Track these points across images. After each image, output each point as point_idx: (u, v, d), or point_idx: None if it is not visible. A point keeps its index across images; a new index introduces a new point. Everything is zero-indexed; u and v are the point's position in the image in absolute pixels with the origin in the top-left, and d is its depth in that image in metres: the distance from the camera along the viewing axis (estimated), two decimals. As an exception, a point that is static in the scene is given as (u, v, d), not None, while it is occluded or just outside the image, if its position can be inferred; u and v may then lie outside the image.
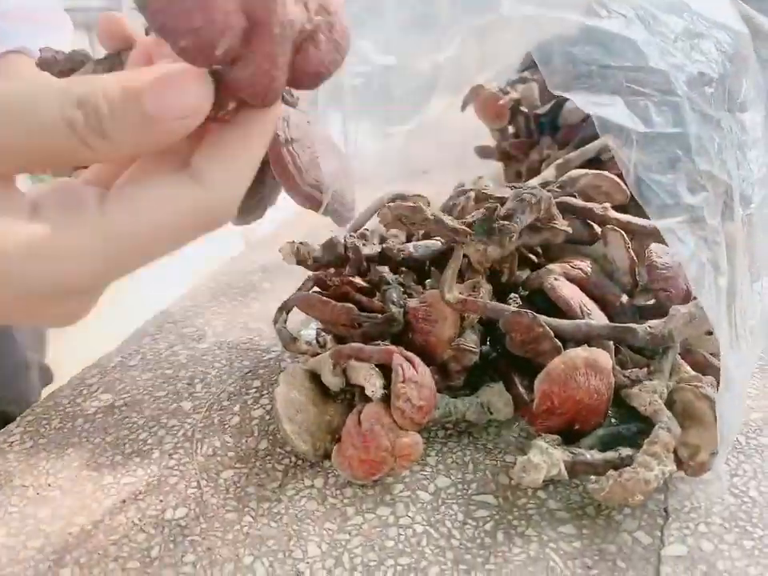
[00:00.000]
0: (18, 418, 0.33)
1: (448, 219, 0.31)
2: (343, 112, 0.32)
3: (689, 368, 0.30)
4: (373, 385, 0.28)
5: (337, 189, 0.29)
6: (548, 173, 0.43)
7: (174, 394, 0.34)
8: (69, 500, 0.28)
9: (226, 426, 0.31)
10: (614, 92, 0.22)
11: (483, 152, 0.56)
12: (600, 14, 0.23)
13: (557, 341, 0.29)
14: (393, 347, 0.29)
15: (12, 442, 0.31)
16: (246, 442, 0.30)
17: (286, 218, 0.63)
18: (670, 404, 0.28)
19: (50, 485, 0.28)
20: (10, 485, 0.29)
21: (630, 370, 0.30)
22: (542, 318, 0.29)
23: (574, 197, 0.37)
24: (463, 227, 0.31)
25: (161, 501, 0.27)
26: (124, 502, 0.27)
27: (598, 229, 0.35)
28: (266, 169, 0.30)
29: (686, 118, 0.22)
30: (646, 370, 0.30)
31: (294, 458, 0.29)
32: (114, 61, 0.33)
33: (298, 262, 0.34)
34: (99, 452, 0.30)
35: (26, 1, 0.48)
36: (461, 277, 0.33)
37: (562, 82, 0.22)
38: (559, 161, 0.42)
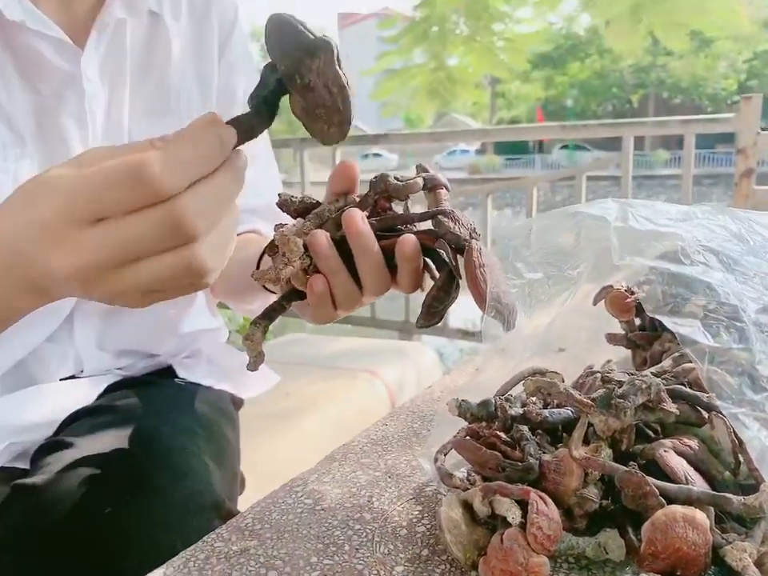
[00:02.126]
0: (249, 507, 0.46)
1: (576, 393, 0.41)
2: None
3: (782, 539, 0.36)
4: (513, 514, 0.37)
5: (508, 303, 0.41)
6: (666, 363, 0.51)
7: (358, 507, 0.45)
8: (288, 568, 0.39)
9: (397, 536, 0.42)
10: (693, 317, 0.32)
11: (613, 339, 0.66)
12: (684, 262, 0.35)
13: (662, 498, 0.36)
14: (530, 488, 0.39)
15: (246, 524, 0.44)
16: (412, 548, 0.40)
17: (428, 384, 0.76)
18: (759, 565, 0.34)
19: (274, 555, 0.40)
20: (246, 553, 0.41)
21: (728, 534, 0.36)
22: (650, 479, 0.37)
23: (685, 385, 0.46)
24: (588, 401, 0.41)
25: (351, 579, 0.37)
26: (325, 575, 0.38)
27: (705, 413, 0.43)
28: (452, 284, 0.44)
29: (750, 338, 0.32)
30: (743, 536, 0.36)
31: (448, 565, 0.38)
32: (347, 201, 0.44)
33: (459, 414, 0.45)
34: (305, 539, 0.42)
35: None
36: (587, 441, 0.42)
37: (655, 308, 0.33)
38: (676, 354, 0.51)
